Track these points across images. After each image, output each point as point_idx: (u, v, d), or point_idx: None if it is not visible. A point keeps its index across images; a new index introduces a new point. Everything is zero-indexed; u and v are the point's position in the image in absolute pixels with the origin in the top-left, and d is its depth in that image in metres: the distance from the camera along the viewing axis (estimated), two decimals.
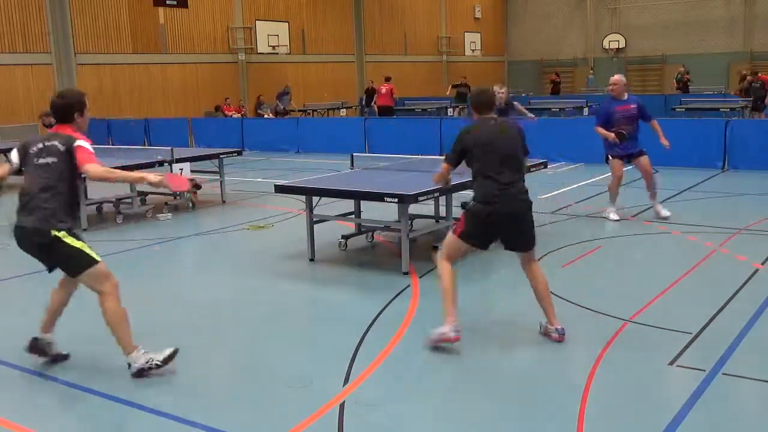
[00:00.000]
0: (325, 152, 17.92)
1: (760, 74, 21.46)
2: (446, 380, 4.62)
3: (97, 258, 4.78)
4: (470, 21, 38.74)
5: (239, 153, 12.71)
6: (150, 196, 11.32)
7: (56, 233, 4.65)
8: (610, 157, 9.11)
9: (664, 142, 9.02)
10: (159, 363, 4.77)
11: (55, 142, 4.79)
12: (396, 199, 6.77)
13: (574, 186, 11.74)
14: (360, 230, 8.34)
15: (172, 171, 10.46)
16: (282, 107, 24.68)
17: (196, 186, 11.37)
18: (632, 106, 8.96)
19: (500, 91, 10.33)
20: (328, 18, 30.84)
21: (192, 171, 10.72)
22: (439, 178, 5.69)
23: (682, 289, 6.33)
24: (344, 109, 27.35)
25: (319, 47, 30.54)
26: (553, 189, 11.49)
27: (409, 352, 5.05)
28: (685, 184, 11.22)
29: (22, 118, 21.45)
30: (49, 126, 13.76)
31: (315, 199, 7.61)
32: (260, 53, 27.52)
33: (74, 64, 22.44)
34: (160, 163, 10.59)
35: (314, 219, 7.62)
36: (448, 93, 27.51)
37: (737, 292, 6.11)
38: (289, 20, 28.42)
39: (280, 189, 7.80)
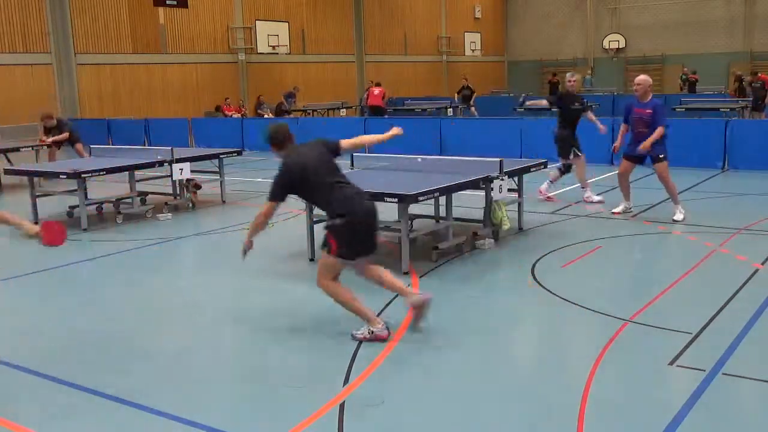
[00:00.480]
0: None
1: (760, 74, 21.45)
2: (446, 380, 4.62)
3: None
4: (470, 21, 38.76)
5: (239, 153, 12.71)
6: (150, 196, 11.32)
7: None
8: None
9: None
10: None
11: None
12: (396, 199, 6.77)
13: (574, 186, 11.73)
14: None
15: (171, 171, 10.46)
16: (287, 107, 24.83)
17: (196, 186, 11.42)
18: (647, 110, 8.78)
19: (571, 79, 10.43)
20: (328, 18, 30.86)
21: (192, 171, 10.72)
22: (264, 219, 5.38)
23: (682, 289, 6.33)
24: (344, 109, 27.36)
25: (319, 47, 30.55)
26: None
27: (409, 352, 5.05)
28: (685, 184, 11.21)
29: (22, 118, 21.44)
30: (50, 129, 13.76)
31: None
32: (260, 53, 27.54)
33: (74, 64, 22.45)
34: (160, 163, 10.59)
35: (314, 219, 7.62)
36: (455, 97, 27.78)
37: (737, 292, 6.11)
38: (289, 20, 28.44)
39: None
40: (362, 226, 5.17)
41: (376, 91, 23.51)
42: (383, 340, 5.16)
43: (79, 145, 14.13)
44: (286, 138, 5.44)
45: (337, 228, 5.11)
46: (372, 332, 5.18)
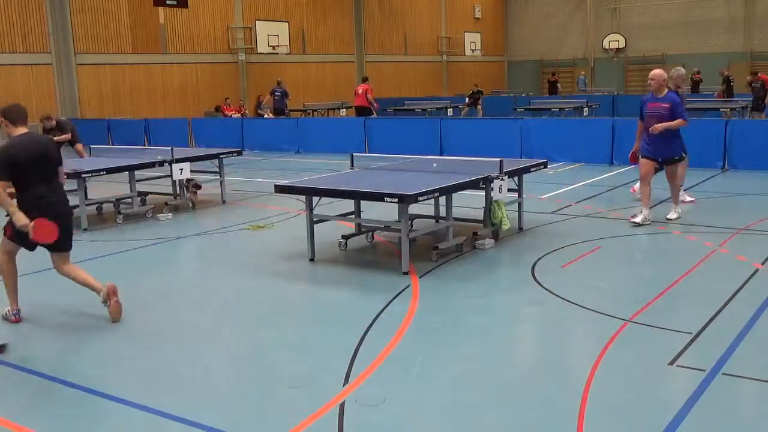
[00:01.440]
0: (325, 152, 17.92)
1: (760, 74, 21.43)
2: (446, 380, 4.62)
3: None
4: (470, 21, 38.77)
5: (239, 153, 12.71)
6: (150, 196, 11.32)
7: None
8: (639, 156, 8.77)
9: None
10: None
11: None
12: (396, 199, 6.76)
13: (574, 186, 11.74)
14: (360, 230, 8.34)
15: (171, 171, 10.46)
16: (281, 107, 24.47)
17: (196, 186, 11.42)
18: (664, 105, 8.36)
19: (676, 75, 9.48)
20: (328, 18, 30.86)
21: (192, 171, 10.73)
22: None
23: (682, 289, 6.33)
24: (344, 109, 27.36)
25: (319, 47, 30.56)
26: (553, 189, 11.49)
27: (409, 352, 5.05)
28: (685, 184, 11.20)
29: None
30: (49, 129, 13.70)
31: (315, 199, 7.61)
32: (260, 53, 27.55)
33: (74, 64, 22.46)
34: (160, 163, 10.59)
35: (314, 219, 7.62)
36: (467, 101, 28.30)
37: (737, 292, 6.11)
38: (289, 20, 28.45)
39: (280, 189, 7.80)
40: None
41: (360, 89, 22.81)
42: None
43: (79, 146, 14.11)
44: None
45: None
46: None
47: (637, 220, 8.64)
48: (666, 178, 8.90)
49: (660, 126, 8.32)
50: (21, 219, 5.46)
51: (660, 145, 8.51)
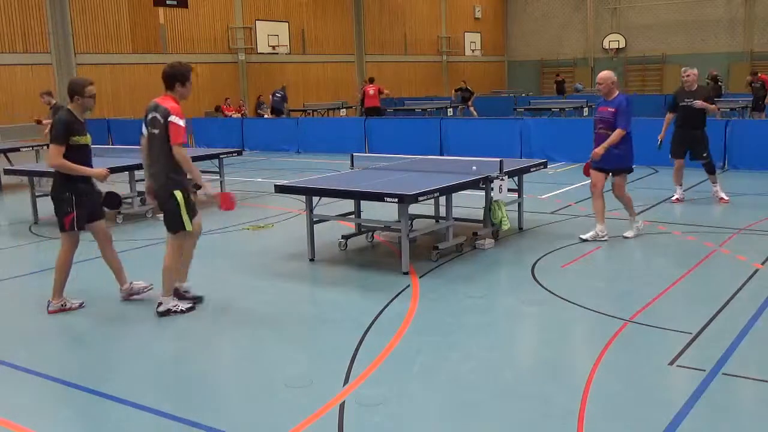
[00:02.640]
0: (325, 152, 17.92)
1: (760, 74, 21.41)
2: (446, 380, 4.62)
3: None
4: (470, 21, 38.76)
5: (239, 153, 12.71)
6: None
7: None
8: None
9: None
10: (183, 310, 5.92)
11: (157, 115, 5.79)
12: (396, 199, 6.76)
13: (575, 186, 11.74)
14: (360, 230, 8.34)
15: None
16: (279, 108, 24.42)
17: (196, 186, 11.39)
18: (610, 109, 7.78)
19: (683, 75, 9.88)
20: (328, 18, 30.85)
21: None
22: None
23: (682, 289, 6.33)
24: (344, 109, 27.35)
25: (319, 47, 30.55)
26: (553, 189, 11.49)
27: (409, 352, 5.05)
28: (685, 184, 11.20)
29: (22, 118, 21.44)
30: (48, 105, 13.63)
31: (315, 199, 7.61)
32: (260, 53, 27.53)
33: (74, 64, 22.45)
34: None
35: (314, 219, 7.62)
36: (452, 95, 28.00)
37: (737, 292, 6.11)
38: (289, 20, 28.44)
39: (280, 189, 7.80)
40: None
41: (371, 90, 22.64)
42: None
43: None
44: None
45: None
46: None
47: (587, 236, 7.97)
48: (613, 194, 8.06)
49: (600, 150, 7.77)
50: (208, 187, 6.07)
51: (608, 154, 7.82)
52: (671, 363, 4.71)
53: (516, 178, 8.56)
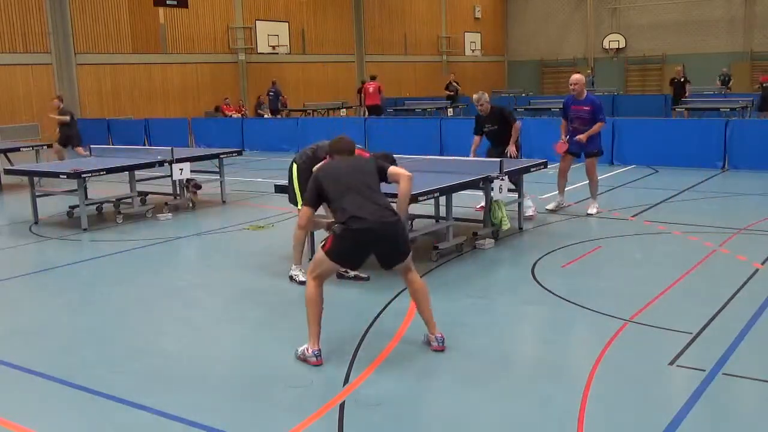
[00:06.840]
0: None
1: (764, 76, 21.45)
2: (446, 380, 4.62)
3: None
4: (470, 21, 38.76)
5: (239, 153, 12.71)
6: (150, 196, 11.32)
7: None
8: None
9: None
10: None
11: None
12: (396, 199, 6.74)
13: (575, 186, 11.73)
14: None
15: (171, 171, 10.46)
16: (275, 107, 24.46)
17: (196, 186, 11.42)
18: (585, 107, 9.33)
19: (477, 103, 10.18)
20: (328, 18, 30.86)
21: (192, 171, 10.72)
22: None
23: (682, 289, 6.33)
24: (344, 109, 27.35)
25: (319, 47, 30.56)
26: (553, 189, 11.48)
27: (409, 352, 5.05)
28: (685, 184, 11.22)
29: (22, 118, 21.47)
30: (57, 108, 14.87)
31: None
32: (260, 53, 27.53)
33: (74, 64, 22.46)
34: (160, 163, 10.60)
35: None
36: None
37: (737, 292, 6.11)
38: (289, 20, 28.44)
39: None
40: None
41: (371, 88, 22.52)
42: (310, 364, 4.86)
43: (79, 149, 14.22)
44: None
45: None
46: (306, 351, 4.92)
47: (551, 206, 9.76)
48: (586, 174, 9.57)
49: (584, 136, 9.31)
50: None
51: (577, 143, 9.44)
52: (671, 363, 4.70)
53: (516, 178, 8.54)
